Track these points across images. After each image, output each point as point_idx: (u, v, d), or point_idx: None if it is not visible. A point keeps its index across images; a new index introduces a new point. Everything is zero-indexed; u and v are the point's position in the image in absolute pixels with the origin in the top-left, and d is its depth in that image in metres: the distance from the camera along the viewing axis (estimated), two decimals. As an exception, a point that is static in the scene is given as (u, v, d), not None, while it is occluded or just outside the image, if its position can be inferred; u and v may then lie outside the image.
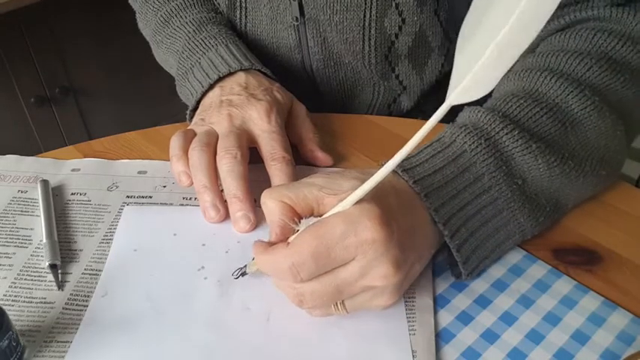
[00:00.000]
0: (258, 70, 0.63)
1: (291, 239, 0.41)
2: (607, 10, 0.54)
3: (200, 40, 0.66)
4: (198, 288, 0.47)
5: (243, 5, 0.71)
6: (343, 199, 0.40)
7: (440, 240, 0.46)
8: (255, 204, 0.52)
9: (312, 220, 0.41)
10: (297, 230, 0.42)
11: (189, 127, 0.59)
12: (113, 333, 0.44)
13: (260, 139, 0.56)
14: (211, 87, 0.62)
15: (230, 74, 0.62)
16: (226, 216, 0.52)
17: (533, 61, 0.54)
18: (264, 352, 0.42)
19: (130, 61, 1.57)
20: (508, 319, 0.44)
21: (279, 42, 0.72)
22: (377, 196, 0.40)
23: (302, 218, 0.42)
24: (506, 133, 0.46)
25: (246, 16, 0.72)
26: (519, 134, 0.46)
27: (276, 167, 0.54)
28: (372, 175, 0.39)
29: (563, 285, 0.46)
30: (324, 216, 0.41)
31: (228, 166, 0.52)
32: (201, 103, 0.62)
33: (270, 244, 0.42)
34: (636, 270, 0.47)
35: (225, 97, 0.59)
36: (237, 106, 0.58)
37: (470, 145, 0.46)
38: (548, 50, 0.54)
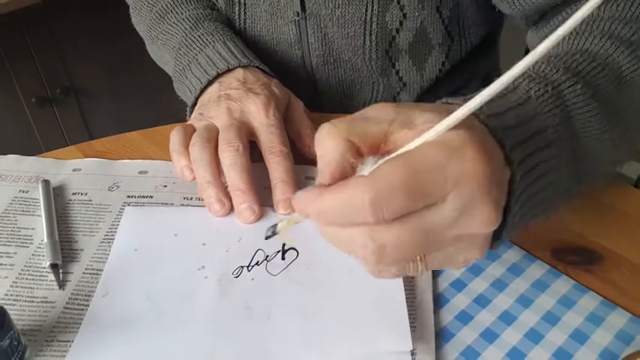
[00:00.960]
0: (257, 67, 0.63)
1: (358, 175, 0.33)
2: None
3: (197, 37, 0.67)
4: (199, 287, 0.47)
5: (242, 1, 0.71)
6: (422, 132, 0.32)
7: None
8: (257, 196, 0.52)
9: (382, 158, 0.33)
10: (358, 172, 0.34)
11: (188, 122, 0.59)
12: (114, 332, 0.44)
13: (259, 132, 0.57)
14: (210, 83, 0.62)
15: (228, 71, 0.62)
16: (231, 209, 0.53)
17: (579, 27, 0.51)
18: (265, 351, 0.42)
19: (130, 60, 1.57)
20: (507, 318, 0.44)
21: (279, 37, 0.72)
22: (469, 128, 0.33)
23: (363, 160, 0.34)
24: (569, 86, 0.42)
25: (245, 12, 0.72)
26: (582, 89, 0.42)
27: (274, 161, 0.54)
28: (447, 111, 0.32)
29: (562, 285, 0.46)
30: (405, 148, 0.33)
31: (231, 159, 0.52)
32: (200, 99, 0.62)
33: (318, 187, 0.34)
34: (635, 270, 0.47)
35: (223, 92, 0.59)
36: (235, 100, 0.58)
37: (535, 91, 0.40)
38: (590, 18, 0.52)
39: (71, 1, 1.47)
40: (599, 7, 0.53)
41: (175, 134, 0.57)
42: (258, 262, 0.49)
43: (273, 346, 0.42)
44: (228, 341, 0.43)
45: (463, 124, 0.32)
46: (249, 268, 0.48)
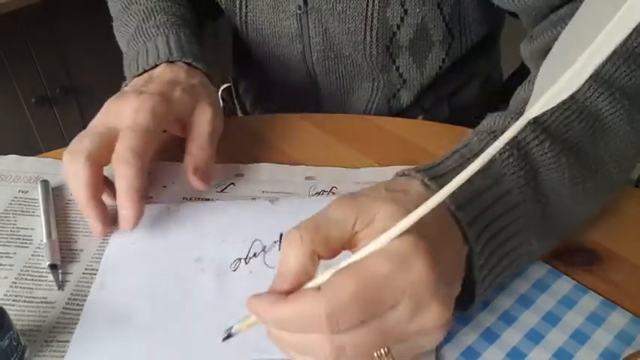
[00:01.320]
0: (187, 63, 0.60)
1: (311, 285, 0.35)
2: None
3: (145, 30, 0.65)
4: (196, 279, 0.47)
5: None
6: (380, 232, 0.34)
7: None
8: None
9: (329, 263, 0.35)
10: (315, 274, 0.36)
11: None
12: (112, 325, 0.44)
13: (119, 134, 0.51)
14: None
15: (155, 66, 0.59)
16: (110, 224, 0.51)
17: None
18: (266, 347, 0.42)
19: (130, 61, 1.57)
20: (508, 318, 0.44)
21: (280, 32, 0.72)
22: (418, 227, 0.34)
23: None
24: (537, 144, 0.42)
25: (246, 6, 0.72)
26: (550, 146, 0.42)
27: (116, 169, 0.50)
28: (402, 192, 0.35)
29: (563, 285, 0.46)
30: (357, 254, 0.35)
31: (72, 172, 0.50)
32: None
33: (274, 295, 0.35)
34: (636, 270, 0.47)
35: (124, 90, 0.56)
36: (118, 99, 0.54)
37: (501, 154, 0.41)
38: None
39: (71, 1, 1.47)
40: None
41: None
42: (255, 253, 0.48)
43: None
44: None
45: (411, 227, 0.34)
46: (247, 260, 0.48)
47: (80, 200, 0.50)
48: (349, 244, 0.37)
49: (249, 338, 0.41)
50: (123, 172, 0.49)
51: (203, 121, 0.56)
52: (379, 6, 0.65)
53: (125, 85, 0.60)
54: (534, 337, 0.43)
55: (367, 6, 0.65)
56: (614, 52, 0.48)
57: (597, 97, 0.45)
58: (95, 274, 0.49)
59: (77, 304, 0.46)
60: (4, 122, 1.55)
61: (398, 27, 0.67)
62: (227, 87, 0.92)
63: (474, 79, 0.80)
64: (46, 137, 1.61)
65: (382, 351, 0.35)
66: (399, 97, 0.76)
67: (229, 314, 0.43)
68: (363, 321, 0.34)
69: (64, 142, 1.65)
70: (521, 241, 0.42)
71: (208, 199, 0.56)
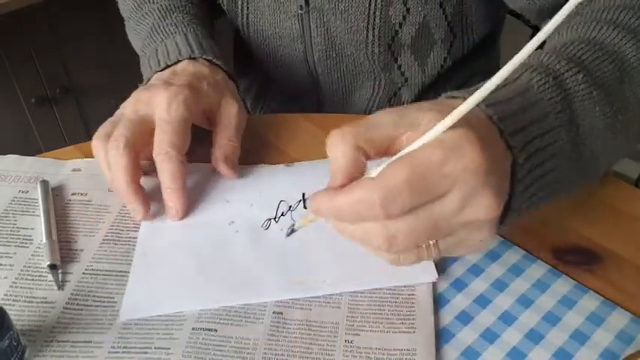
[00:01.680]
0: (209, 60, 0.60)
1: (368, 176, 0.37)
2: None
3: (163, 28, 0.65)
4: (233, 239, 0.51)
5: None
6: (426, 132, 0.35)
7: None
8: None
9: (385, 160, 0.36)
10: (366, 174, 0.38)
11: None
12: (159, 284, 0.48)
13: (156, 128, 0.53)
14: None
15: (177, 62, 0.60)
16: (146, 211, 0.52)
17: (584, 16, 0.51)
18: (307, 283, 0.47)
19: (131, 60, 1.56)
20: (508, 318, 0.44)
21: (281, 32, 0.72)
22: (466, 125, 0.36)
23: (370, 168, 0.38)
24: (571, 75, 0.43)
25: (247, 7, 0.72)
26: (583, 78, 0.43)
27: (159, 164, 0.52)
28: (449, 106, 0.35)
29: (563, 285, 0.46)
30: (409, 147, 0.36)
31: (112, 158, 0.51)
32: None
33: (331, 189, 0.38)
34: (636, 269, 0.47)
35: (151, 82, 0.57)
36: (148, 89, 0.55)
37: (537, 81, 0.42)
38: (597, 7, 0.52)
39: (71, 1, 1.47)
40: None
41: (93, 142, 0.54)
42: (283, 212, 0.51)
43: (314, 277, 0.47)
44: (266, 290, 0.46)
45: (462, 120, 0.34)
46: (277, 219, 0.51)
47: (121, 185, 0.51)
48: (394, 147, 0.38)
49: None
50: (167, 166, 0.51)
51: (230, 114, 0.58)
52: (381, 5, 0.65)
53: (147, 81, 0.60)
54: (534, 337, 0.43)
55: (370, 5, 0.65)
56: (639, 7, 0.49)
57: (625, 43, 0.47)
58: (96, 275, 0.49)
59: (77, 304, 0.46)
60: (4, 122, 1.55)
61: (400, 25, 0.67)
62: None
63: (475, 77, 0.80)
64: (46, 137, 1.61)
65: (431, 242, 0.37)
66: (400, 95, 0.76)
67: (266, 267, 0.48)
68: (415, 208, 0.35)
69: (63, 142, 1.66)
70: (556, 165, 0.42)
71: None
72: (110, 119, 0.55)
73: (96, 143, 0.53)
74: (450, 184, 0.35)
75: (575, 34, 0.49)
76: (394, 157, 0.36)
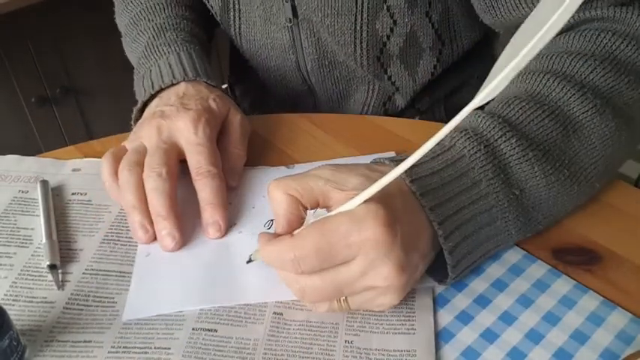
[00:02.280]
0: (204, 81, 0.61)
1: (297, 232, 0.42)
2: (611, 9, 0.53)
3: (156, 47, 0.66)
4: (236, 240, 0.51)
5: (237, 7, 0.71)
6: (351, 198, 0.40)
7: (436, 243, 0.44)
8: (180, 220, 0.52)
9: (321, 212, 0.42)
10: (305, 222, 0.43)
11: (122, 144, 0.57)
12: (163, 284, 0.48)
13: (187, 152, 0.55)
14: (153, 97, 0.61)
15: (173, 85, 0.60)
16: (155, 236, 0.52)
17: (537, 63, 0.53)
18: None
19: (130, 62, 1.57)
20: (508, 318, 0.44)
21: (272, 43, 0.72)
22: (383, 197, 0.40)
23: (307, 209, 0.43)
24: (504, 141, 0.45)
25: (239, 18, 0.72)
26: (517, 142, 0.45)
27: (202, 182, 0.53)
28: (380, 173, 0.40)
29: (563, 285, 0.46)
30: (330, 213, 0.41)
31: (153, 184, 0.51)
32: (144, 114, 0.60)
33: (276, 235, 0.43)
34: (636, 269, 0.47)
35: (158, 109, 0.58)
36: (166, 118, 0.56)
37: (469, 150, 0.45)
38: (551, 52, 0.53)
39: (71, 1, 1.47)
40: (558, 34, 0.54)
41: (105, 162, 0.55)
42: None
43: None
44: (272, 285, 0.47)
45: (382, 192, 0.40)
46: None
47: (163, 212, 0.50)
48: (324, 201, 0.43)
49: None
50: (211, 183, 0.53)
51: (236, 124, 0.60)
52: (368, 19, 0.65)
53: (142, 104, 0.61)
54: (534, 337, 0.43)
55: (355, 20, 0.65)
56: (592, 54, 0.50)
57: (569, 98, 0.48)
58: (96, 274, 0.49)
59: (77, 304, 0.46)
60: (4, 122, 1.55)
61: (388, 37, 0.67)
62: (224, 89, 0.93)
63: (470, 80, 0.80)
64: (46, 137, 1.61)
65: (341, 298, 0.42)
66: (395, 100, 0.76)
67: (268, 268, 0.47)
68: (323, 269, 0.40)
69: (63, 141, 1.66)
70: (497, 231, 0.45)
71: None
72: (129, 146, 0.56)
73: (132, 171, 0.52)
74: (354, 253, 0.40)
75: (521, 87, 0.50)
76: (314, 220, 0.41)
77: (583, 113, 0.48)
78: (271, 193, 0.44)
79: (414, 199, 0.43)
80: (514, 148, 0.45)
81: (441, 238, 0.43)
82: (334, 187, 0.42)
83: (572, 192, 0.47)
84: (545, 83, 0.49)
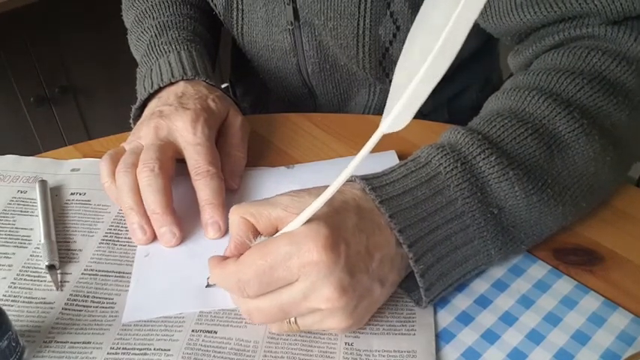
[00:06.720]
0: (204, 81, 0.61)
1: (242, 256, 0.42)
2: (602, 28, 0.52)
3: (158, 46, 0.65)
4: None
5: (240, 7, 0.71)
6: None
7: (408, 263, 0.43)
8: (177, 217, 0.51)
9: (264, 238, 0.42)
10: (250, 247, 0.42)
11: (121, 145, 0.57)
12: (163, 280, 0.48)
13: (185, 152, 0.55)
14: (152, 96, 0.61)
15: (171, 84, 0.60)
16: (154, 236, 0.51)
17: (524, 79, 0.51)
18: None
19: (130, 61, 1.56)
20: (508, 319, 0.44)
21: (273, 45, 0.72)
22: (331, 216, 0.40)
23: (259, 235, 0.42)
24: (484, 158, 0.44)
25: (242, 18, 0.72)
26: (497, 160, 0.44)
27: (201, 182, 0.52)
28: (340, 193, 0.39)
29: (564, 285, 0.46)
30: (275, 235, 0.41)
31: (145, 180, 0.50)
32: (143, 114, 0.60)
33: (225, 258, 0.43)
34: (637, 270, 0.47)
35: (157, 109, 0.57)
36: (164, 117, 0.56)
37: (445, 167, 0.44)
38: (540, 68, 0.51)
39: (71, 2, 1.47)
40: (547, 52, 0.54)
41: (103, 163, 0.54)
42: None
43: None
44: None
45: (324, 214, 0.40)
46: None
47: (158, 209, 0.50)
48: (281, 228, 0.41)
49: None
50: (210, 183, 0.52)
51: (236, 125, 0.59)
52: (370, 24, 0.65)
53: (140, 103, 0.61)
54: (535, 337, 0.43)
55: (358, 24, 0.65)
56: (581, 72, 0.49)
57: (555, 116, 0.47)
58: (95, 275, 0.49)
59: (76, 305, 0.46)
60: (3, 122, 1.54)
61: (390, 43, 0.67)
62: (225, 87, 0.93)
63: (473, 84, 0.80)
64: (45, 137, 1.61)
65: (290, 320, 0.42)
66: None
67: None
68: (267, 292, 0.40)
69: (62, 141, 1.65)
70: (474, 251, 0.44)
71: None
72: (127, 147, 0.55)
73: (125, 169, 0.52)
74: (295, 274, 0.39)
75: (506, 103, 0.49)
76: (255, 243, 0.41)
77: (569, 132, 0.46)
78: (230, 215, 0.44)
79: (380, 217, 0.42)
80: (493, 167, 0.44)
81: (412, 261, 0.42)
82: (292, 212, 0.41)
83: (556, 212, 0.46)
84: (531, 100, 0.48)
